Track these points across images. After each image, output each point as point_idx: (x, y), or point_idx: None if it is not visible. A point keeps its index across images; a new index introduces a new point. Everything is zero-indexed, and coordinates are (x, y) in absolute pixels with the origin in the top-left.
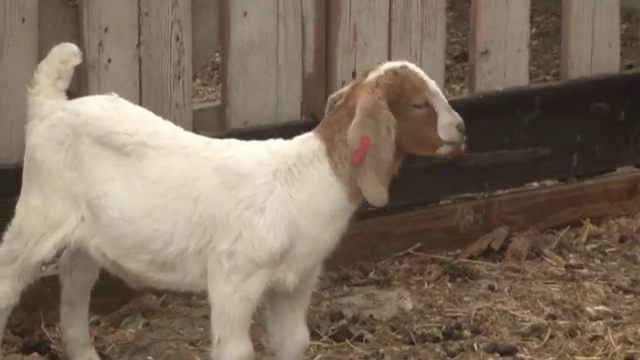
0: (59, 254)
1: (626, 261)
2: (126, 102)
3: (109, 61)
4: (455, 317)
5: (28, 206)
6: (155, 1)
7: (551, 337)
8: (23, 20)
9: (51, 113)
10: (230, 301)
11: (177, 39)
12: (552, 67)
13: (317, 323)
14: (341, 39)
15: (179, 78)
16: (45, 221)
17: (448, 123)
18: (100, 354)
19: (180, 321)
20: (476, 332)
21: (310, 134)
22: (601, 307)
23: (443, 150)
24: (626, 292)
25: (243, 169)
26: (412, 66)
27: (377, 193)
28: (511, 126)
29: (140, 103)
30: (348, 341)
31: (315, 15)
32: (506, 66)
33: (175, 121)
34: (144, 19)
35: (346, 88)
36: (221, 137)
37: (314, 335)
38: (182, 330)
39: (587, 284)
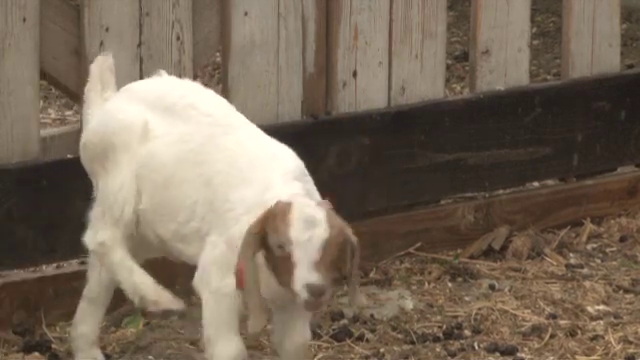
0: None
1: (627, 261)
2: (176, 78)
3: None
4: (456, 317)
5: (105, 179)
6: (156, 1)
7: (552, 337)
8: (24, 20)
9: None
10: (213, 297)
11: (178, 39)
12: (553, 67)
13: (318, 323)
14: (342, 39)
15: (180, 78)
16: (123, 180)
17: (300, 277)
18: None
19: (181, 321)
20: (477, 332)
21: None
22: (601, 307)
23: (298, 300)
24: (627, 292)
25: (247, 175)
26: (295, 206)
27: (254, 319)
28: (512, 125)
29: None
30: (349, 341)
31: (316, 14)
32: (507, 65)
33: None
34: (145, 19)
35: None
36: None
37: (315, 335)
38: (183, 330)
39: (588, 284)
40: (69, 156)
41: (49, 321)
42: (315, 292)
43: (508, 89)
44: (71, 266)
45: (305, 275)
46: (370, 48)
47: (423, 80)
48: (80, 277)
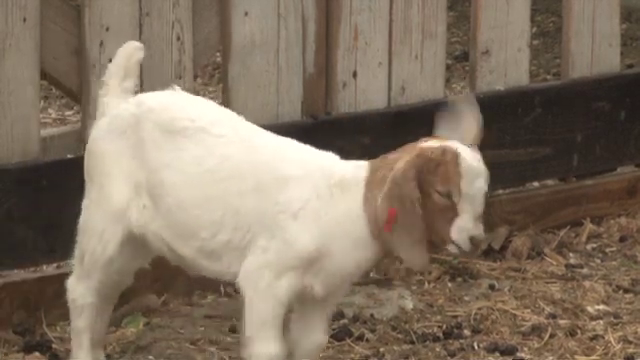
0: None
1: (626, 261)
2: (188, 94)
3: (110, 61)
4: (455, 316)
5: (89, 202)
6: (156, 1)
7: (551, 336)
8: (24, 20)
9: (115, 109)
10: (260, 297)
11: (178, 39)
12: (552, 66)
13: None
14: (342, 39)
15: (180, 78)
16: (105, 214)
17: (463, 228)
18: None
19: (181, 320)
20: (476, 331)
21: (363, 163)
22: (601, 306)
23: (451, 248)
24: (626, 291)
25: (290, 173)
26: (464, 157)
27: (414, 258)
28: (512, 126)
29: None
30: (349, 340)
31: (316, 15)
32: (507, 66)
33: None
34: (145, 19)
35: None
36: None
37: None
38: (183, 330)
39: (587, 283)
40: (69, 156)
41: (49, 321)
42: (477, 244)
43: (508, 89)
44: (71, 266)
45: (470, 227)
46: (370, 48)
47: (423, 80)
48: None
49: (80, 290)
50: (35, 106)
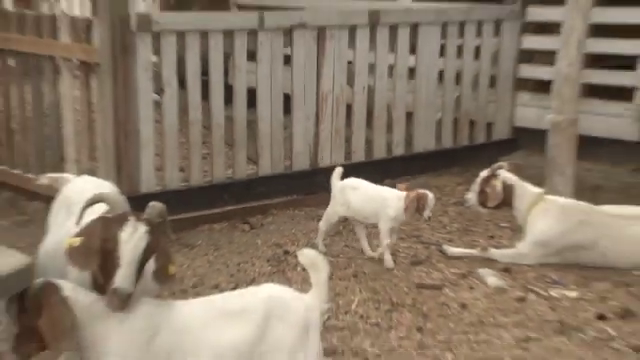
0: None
1: None
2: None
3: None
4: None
5: (330, 208)
6: None
7: None
8: None
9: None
10: (383, 231)
11: None
12: None
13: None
14: None
15: None
16: (333, 210)
17: (426, 214)
18: None
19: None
20: None
21: (404, 192)
22: None
23: (423, 215)
24: None
25: (385, 195)
26: (429, 195)
27: (412, 217)
28: None
29: None
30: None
31: None
32: None
33: None
34: None
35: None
36: None
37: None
38: None
39: None
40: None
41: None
42: (430, 218)
43: None
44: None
45: (427, 212)
46: None
47: None
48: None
49: (323, 224)
50: None
